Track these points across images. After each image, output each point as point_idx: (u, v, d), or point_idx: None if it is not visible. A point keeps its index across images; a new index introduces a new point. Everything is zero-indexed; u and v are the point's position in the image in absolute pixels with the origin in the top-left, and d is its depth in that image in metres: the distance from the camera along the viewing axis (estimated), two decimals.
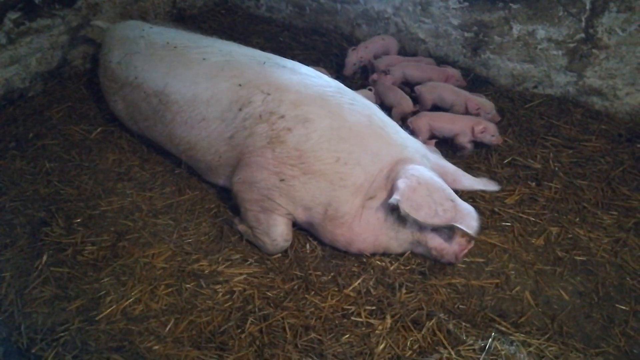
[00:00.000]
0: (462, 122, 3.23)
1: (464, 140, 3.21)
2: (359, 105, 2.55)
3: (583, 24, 3.52)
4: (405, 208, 2.25)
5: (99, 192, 2.84)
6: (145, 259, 2.48)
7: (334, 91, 2.57)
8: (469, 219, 2.30)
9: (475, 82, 3.95)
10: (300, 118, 2.42)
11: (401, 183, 2.27)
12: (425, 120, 3.22)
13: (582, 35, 3.56)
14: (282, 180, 2.40)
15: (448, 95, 3.45)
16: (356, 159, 2.38)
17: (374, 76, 3.72)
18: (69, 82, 3.72)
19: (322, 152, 2.37)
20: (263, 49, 4.33)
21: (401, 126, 2.75)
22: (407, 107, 3.42)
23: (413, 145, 2.57)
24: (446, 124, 3.24)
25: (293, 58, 4.11)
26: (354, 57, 3.92)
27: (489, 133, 3.18)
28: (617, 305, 2.41)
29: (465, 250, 2.45)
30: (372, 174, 2.39)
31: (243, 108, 2.53)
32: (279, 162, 2.40)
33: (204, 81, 2.66)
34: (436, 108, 3.48)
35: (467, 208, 2.36)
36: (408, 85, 3.74)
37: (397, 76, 3.71)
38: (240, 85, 2.58)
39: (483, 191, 2.72)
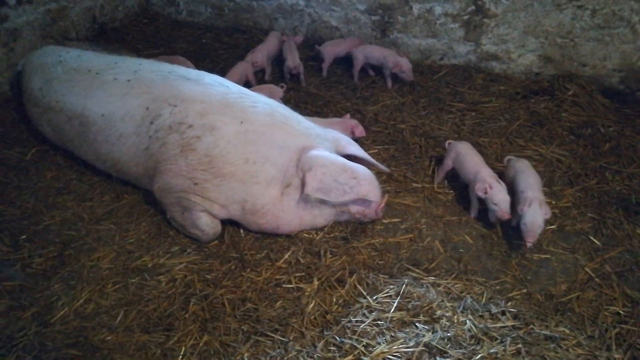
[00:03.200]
0: (476, 168, 2.89)
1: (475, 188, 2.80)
2: (262, 105, 2.79)
3: None
4: (318, 196, 2.63)
5: (40, 208, 3.00)
6: (91, 263, 2.67)
7: (237, 96, 2.79)
8: (371, 187, 2.70)
9: None
10: (208, 126, 2.64)
11: (308, 177, 2.59)
12: (455, 149, 3.05)
13: (473, 7, 3.92)
14: (195, 184, 2.63)
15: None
16: (264, 156, 2.64)
17: (284, 37, 4.28)
18: None
19: (230, 155, 2.61)
20: (187, 52, 4.54)
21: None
22: (292, 62, 4.01)
23: (314, 131, 2.85)
24: (465, 166, 2.96)
25: (217, 58, 4.36)
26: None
27: (492, 200, 2.72)
28: (514, 241, 2.78)
29: (383, 204, 2.77)
30: (282, 165, 2.66)
31: (154, 121, 2.73)
32: (192, 169, 2.62)
33: (116, 100, 2.84)
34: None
35: (368, 178, 2.72)
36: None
37: (360, 58, 4.03)
38: (147, 107, 2.76)
39: (377, 167, 2.98)
